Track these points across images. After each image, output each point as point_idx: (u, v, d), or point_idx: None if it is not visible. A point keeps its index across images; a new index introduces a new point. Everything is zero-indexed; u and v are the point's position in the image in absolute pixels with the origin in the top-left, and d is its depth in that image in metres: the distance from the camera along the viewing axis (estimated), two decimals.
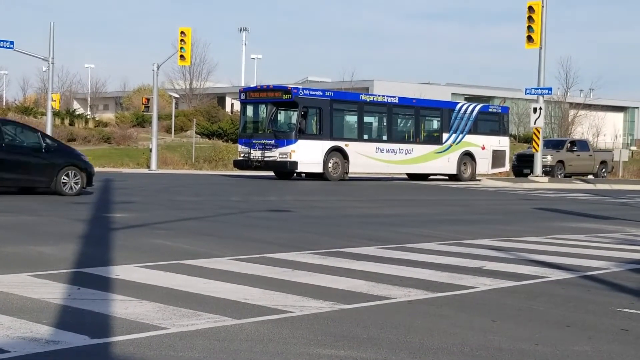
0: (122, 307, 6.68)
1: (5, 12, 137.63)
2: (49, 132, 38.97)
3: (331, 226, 14.30)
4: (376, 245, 11.46)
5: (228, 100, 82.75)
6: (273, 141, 30.45)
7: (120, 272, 8.40)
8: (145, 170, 39.00)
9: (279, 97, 30.91)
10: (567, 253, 11.33)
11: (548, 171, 38.49)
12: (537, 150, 36.33)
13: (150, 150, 40.58)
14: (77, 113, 66.75)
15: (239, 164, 32.32)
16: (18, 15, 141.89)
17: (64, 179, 18.85)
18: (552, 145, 41.47)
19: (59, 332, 5.78)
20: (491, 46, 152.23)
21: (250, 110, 32.58)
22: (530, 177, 36.31)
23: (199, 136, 55.66)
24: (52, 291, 7.25)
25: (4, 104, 77.88)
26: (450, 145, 35.50)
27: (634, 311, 7.36)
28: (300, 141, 30.22)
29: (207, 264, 9.14)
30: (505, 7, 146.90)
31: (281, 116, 32.00)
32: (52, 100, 39.92)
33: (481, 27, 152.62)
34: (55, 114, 46.96)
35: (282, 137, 30.45)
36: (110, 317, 6.31)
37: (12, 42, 37.08)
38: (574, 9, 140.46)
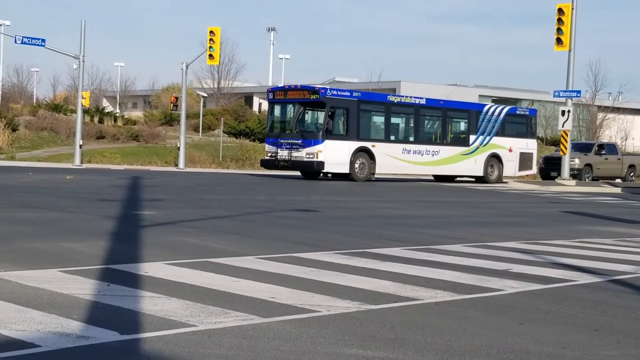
0: (151, 303, 6.74)
1: (37, 10, 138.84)
2: (78, 129, 39.30)
3: (357, 226, 14.31)
4: (402, 246, 11.47)
5: (255, 100, 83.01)
6: (300, 141, 30.50)
7: (149, 269, 8.47)
8: (173, 169, 39.22)
9: (307, 97, 30.96)
10: (595, 257, 11.27)
11: (576, 174, 38.24)
12: (564, 153, 36.11)
13: (178, 148, 40.80)
14: (106, 111, 67.22)
15: (266, 164, 32.41)
16: (50, 14, 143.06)
17: None
18: (580, 148, 41.20)
19: (89, 328, 5.84)
20: (520, 48, 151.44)
21: (277, 110, 32.64)
22: (557, 180, 36.08)
23: (226, 135, 55.85)
24: (82, 287, 7.33)
25: (34, 101, 78.57)
26: (477, 147, 35.39)
27: None
28: (327, 141, 30.25)
29: (235, 263, 9.18)
30: (535, 9, 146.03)
31: (308, 116, 32.04)
32: (82, 97, 40.25)
33: (510, 29, 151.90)
34: (85, 111, 47.31)
35: (309, 137, 30.49)
36: (140, 314, 6.37)
37: (43, 40, 37.45)
38: (603, 11, 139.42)
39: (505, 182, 36.46)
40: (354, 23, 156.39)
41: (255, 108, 79.59)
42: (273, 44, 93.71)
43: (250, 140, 56.12)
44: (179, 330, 5.91)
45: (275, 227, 13.51)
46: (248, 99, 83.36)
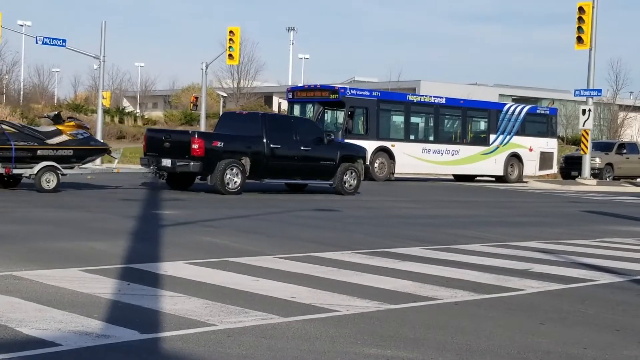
0: (171, 303, 6.77)
1: (58, 10, 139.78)
2: (99, 129, 39.48)
3: (377, 226, 14.30)
4: (422, 246, 11.45)
5: (275, 100, 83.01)
6: None
7: (169, 268, 8.51)
8: None
9: (326, 97, 30.96)
10: (616, 256, 11.21)
11: (596, 174, 37.99)
12: (585, 153, 35.91)
13: None
14: (126, 111, 67.53)
15: None
16: (70, 14, 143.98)
17: None
18: (601, 147, 40.94)
19: (110, 327, 5.87)
20: (540, 47, 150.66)
21: (297, 109, 32.64)
22: (578, 180, 35.89)
23: None
24: (102, 286, 7.36)
25: (55, 101, 79.08)
26: (497, 147, 35.25)
27: None
28: (346, 141, 30.20)
29: (255, 262, 9.20)
30: (555, 8, 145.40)
31: (328, 116, 32.03)
32: (103, 98, 40.36)
33: (530, 27, 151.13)
34: (106, 111, 47.58)
35: None
36: (160, 313, 6.40)
37: (64, 40, 37.58)
38: (624, 9, 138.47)
39: (526, 182, 36.29)
40: (373, 22, 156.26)
41: (275, 108, 79.61)
42: (293, 43, 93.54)
43: None
44: (198, 329, 5.93)
45: (295, 227, 13.52)
46: (268, 98, 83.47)
